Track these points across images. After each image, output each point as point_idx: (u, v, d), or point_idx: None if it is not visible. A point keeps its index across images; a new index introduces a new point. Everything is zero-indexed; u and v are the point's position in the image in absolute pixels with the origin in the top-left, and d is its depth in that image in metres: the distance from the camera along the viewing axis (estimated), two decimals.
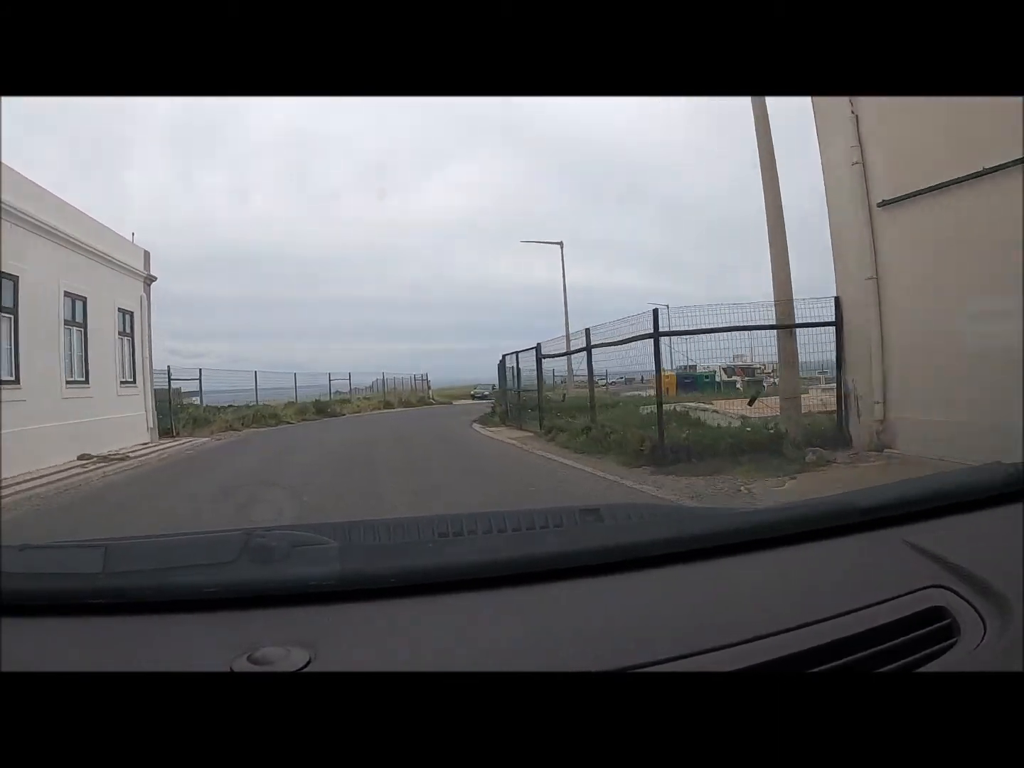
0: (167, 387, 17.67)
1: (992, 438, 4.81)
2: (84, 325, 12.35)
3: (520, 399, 16.73)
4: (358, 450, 12.13)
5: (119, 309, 14.12)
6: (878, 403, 8.06)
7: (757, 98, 8.66)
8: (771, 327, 8.75)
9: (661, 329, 8.86)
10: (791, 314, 8.67)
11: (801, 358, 9.10)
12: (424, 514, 1.70)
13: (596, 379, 15.61)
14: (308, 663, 0.78)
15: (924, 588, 0.95)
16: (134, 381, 14.73)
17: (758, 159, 8.87)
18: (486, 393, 37.56)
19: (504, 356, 19.81)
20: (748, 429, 8.76)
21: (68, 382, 11.58)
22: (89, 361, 12.40)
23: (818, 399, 9.96)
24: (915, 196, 7.39)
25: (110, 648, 0.85)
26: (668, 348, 10.65)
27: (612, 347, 10.93)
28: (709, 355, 10.04)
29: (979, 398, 6.36)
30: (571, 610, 0.95)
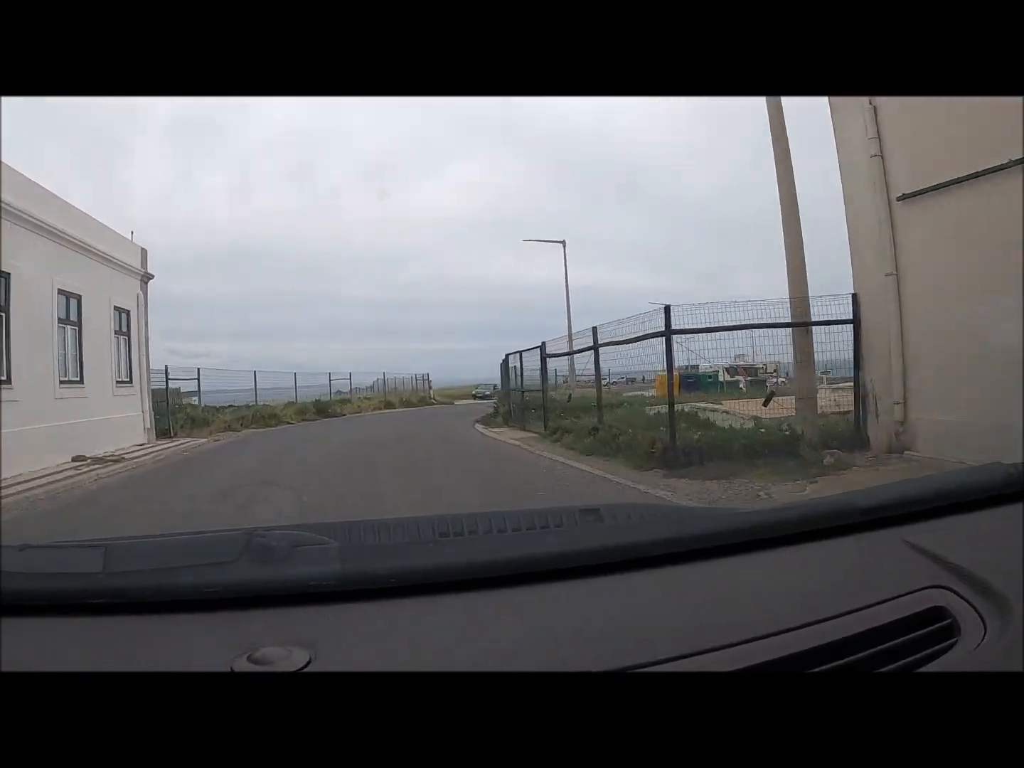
0: (165, 387, 17.42)
1: (1018, 440, 4.64)
2: (78, 324, 12.05)
3: (524, 399, 16.48)
4: (358, 450, 11.99)
5: (115, 307, 13.82)
6: (898, 403, 7.79)
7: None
8: (787, 325, 8.46)
9: (672, 327, 8.57)
10: (807, 311, 8.39)
11: (817, 356, 8.83)
12: (424, 514, 1.72)
13: (593, 379, 15.35)
14: (308, 663, 0.78)
15: (924, 588, 0.95)
16: (130, 381, 14.43)
17: (772, 151, 8.62)
18: (487, 393, 37.46)
19: (507, 355, 19.55)
20: (762, 430, 8.46)
21: (62, 382, 11.30)
22: (84, 360, 12.12)
23: (829, 399, 9.66)
24: (937, 189, 7.12)
25: (110, 648, 0.85)
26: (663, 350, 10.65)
27: (616, 346, 10.74)
28: (712, 355, 9.82)
29: (1004, 399, 6.10)
30: (571, 610, 0.95)
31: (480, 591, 0.96)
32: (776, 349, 9.22)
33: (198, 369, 21.59)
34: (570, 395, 14.35)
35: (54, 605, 0.90)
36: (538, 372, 15.08)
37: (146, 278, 15.51)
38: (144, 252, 15.56)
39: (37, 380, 10.19)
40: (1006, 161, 6.20)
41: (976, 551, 1.04)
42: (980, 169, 6.47)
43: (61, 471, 9.72)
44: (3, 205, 9.38)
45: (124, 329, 14.32)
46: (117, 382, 13.70)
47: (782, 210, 8.48)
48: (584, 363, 13.24)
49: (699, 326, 8.52)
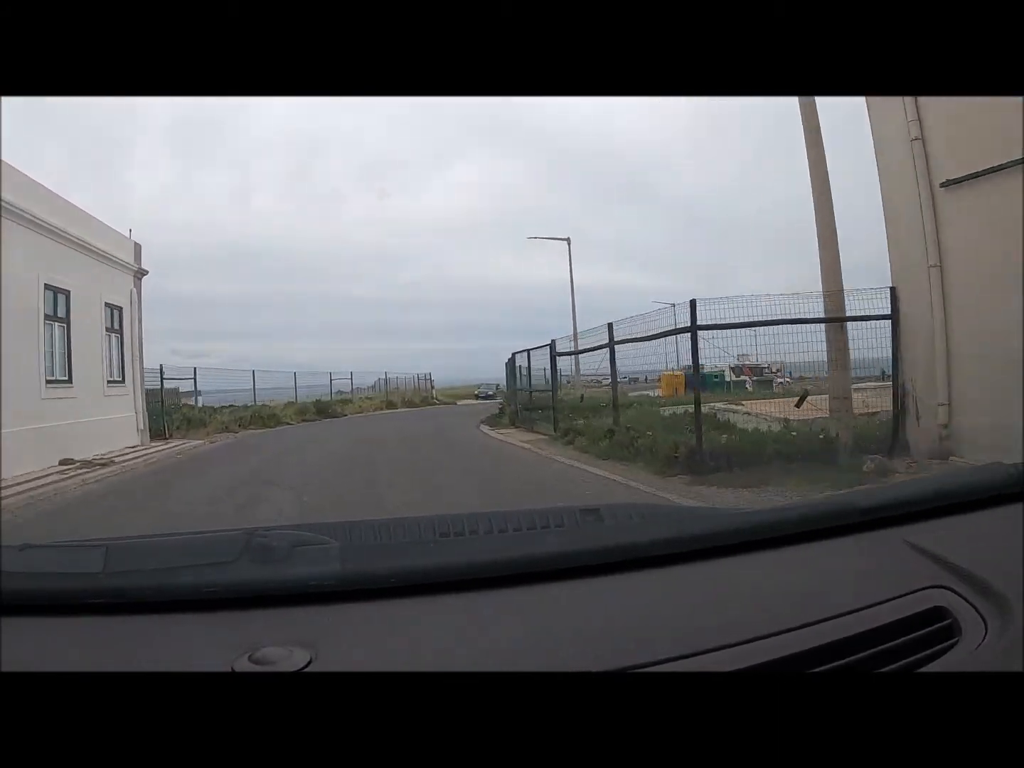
0: (160, 387, 16.89)
1: None
2: (67, 320, 11.48)
3: (531, 399, 15.93)
4: (359, 450, 11.76)
5: (106, 304, 13.23)
6: (942, 405, 7.24)
7: None
8: (821, 320, 7.85)
9: (687, 324, 8.02)
10: (841, 306, 7.82)
11: (820, 356, 8.32)
12: (424, 514, 1.57)
13: (598, 379, 14.90)
14: (309, 663, 0.78)
15: (925, 588, 0.95)
16: (123, 380, 13.89)
17: (803, 136, 8.04)
18: (490, 393, 37.16)
19: (514, 354, 18.86)
20: (793, 433, 7.90)
21: (48, 381, 10.74)
22: (72, 359, 11.54)
23: (856, 399, 9.09)
24: (985, 175, 6.59)
25: (110, 648, 0.85)
26: (675, 348, 10.15)
27: (627, 344, 10.34)
28: (715, 354, 9.23)
29: None
30: (571, 610, 0.94)
31: (480, 591, 0.96)
32: (797, 347, 8.62)
33: (194, 368, 21.01)
34: (582, 395, 13.85)
35: (54, 605, 0.90)
36: (544, 371, 14.59)
37: (140, 274, 14.98)
38: (138, 247, 15.00)
39: (21, 379, 9.63)
40: None
41: (977, 551, 1.04)
42: None
43: (46, 475, 9.21)
44: None
45: (116, 327, 13.76)
46: (109, 382, 13.17)
47: (814, 199, 7.88)
48: (596, 362, 12.82)
49: (723, 321, 7.94)
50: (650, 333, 9.23)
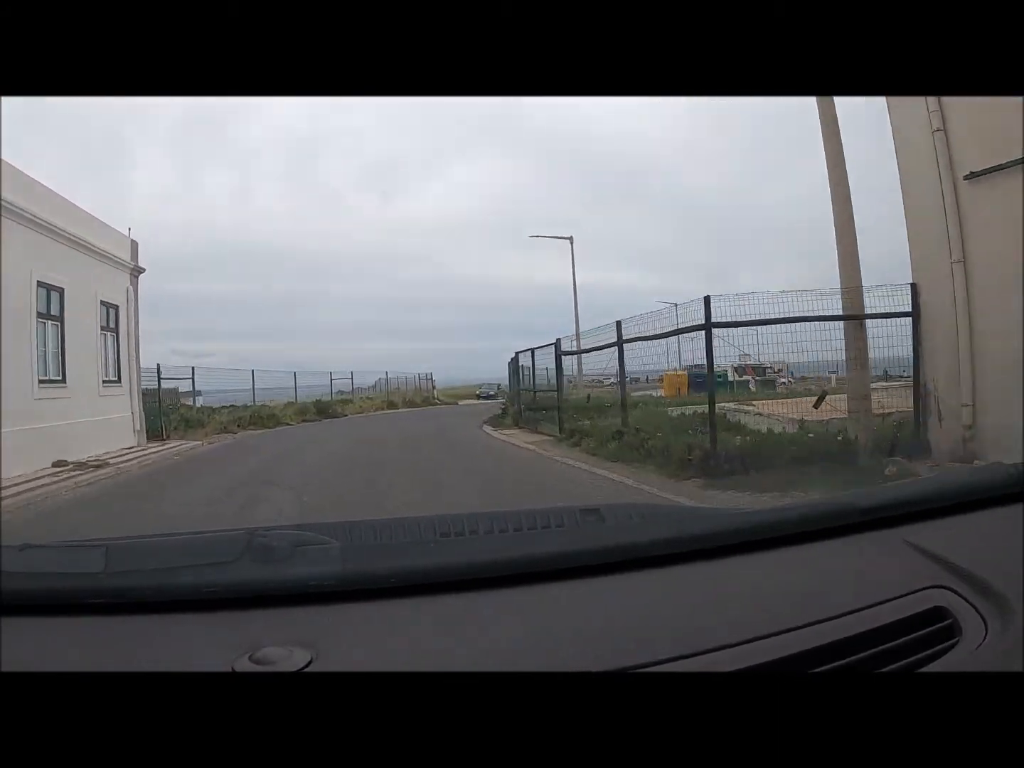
0: (157, 387, 16.55)
1: None
2: (61, 319, 11.17)
3: (535, 399, 15.63)
4: (360, 451, 11.66)
5: (102, 302, 12.90)
6: (965, 406, 6.97)
7: None
8: (839, 318, 7.59)
9: (694, 323, 7.75)
10: (860, 303, 7.56)
11: (826, 355, 8.16)
12: (425, 514, 1.49)
13: (601, 379, 14.65)
14: (310, 663, 0.78)
15: (925, 588, 0.95)
16: (119, 380, 13.54)
17: (819, 126, 7.78)
18: (492, 393, 36.94)
19: (517, 353, 18.63)
20: (810, 435, 7.62)
21: (41, 381, 10.44)
22: (66, 358, 11.23)
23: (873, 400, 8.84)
24: (1009, 167, 6.33)
25: (110, 648, 0.84)
26: (677, 347, 10.38)
27: (633, 343, 10.20)
28: (731, 353, 8.92)
29: None
30: (571, 610, 0.94)
31: (480, 591, 0.95)
32: (810, 346, 8.35)
33: (192, 368, 20.56)
34: (589, 395, 13.60)
35: (54, 605, 0.89)
36: (547, 371, 14.38)
37: (136, 272, 14.66)
38: (135, 244, 14.66)
39: (13, 379, 9.33)
40: None
41: (977, 551, 1.03)
42: None
43: (38, 478, 8.96)
44: None
45: (112, 325, 13.44)
46: (104, 381, 12.86)
47: (832, 192, 7.64)
48: (598, 362, 12.67)
49: (738, 319, 7.66)
50: (663, 331, 8.97)
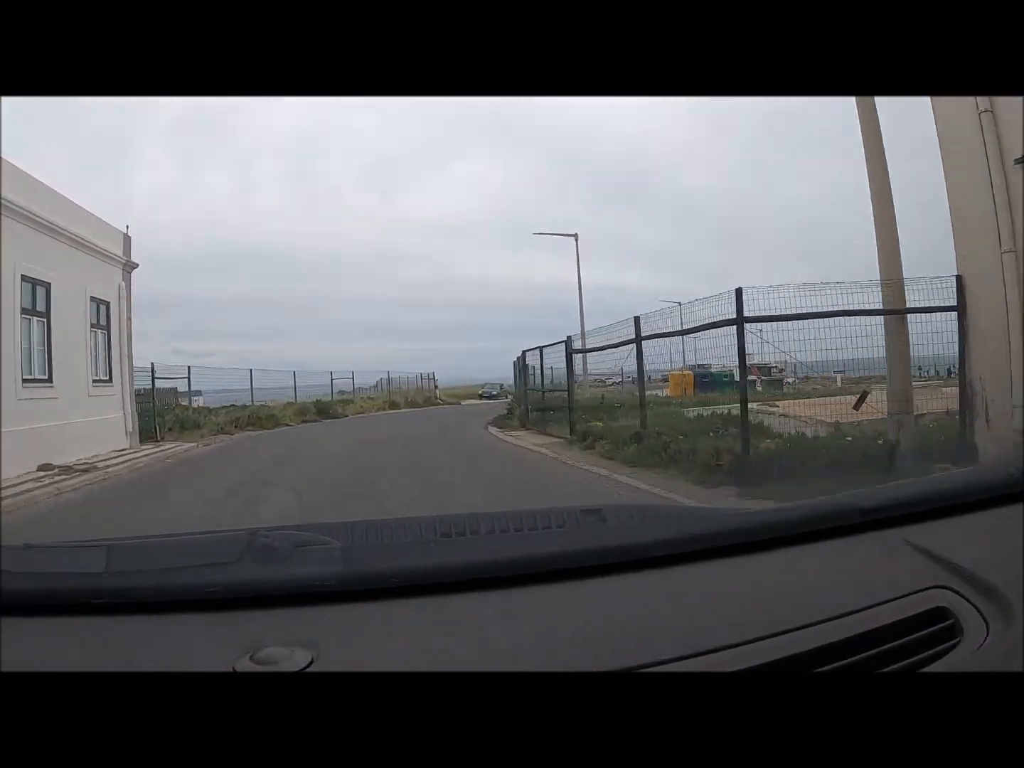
0: (157, 388, 16.10)
1: None
2: (47, 315, 10.59)
3: (544, 400, 15.05)
4: (360, 452, 11.39)
5: (92, 298, 12.29)
6: (1017, 407, 6.43)
7: None
8: (879, 312, 7.05)
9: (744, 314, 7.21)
10: (902, 297, 7.03)
11: (849, 354, 7.68)
12: (425, 514, 1.56)
13: (603, 379, 14.17)
14: (311, 663, 0.78)
15: (926, 588, 0.95)
16: (110, 380, 12.94)
17: (856, 110, 7.25)
18: (495, 393, 36.49)
19: (524, 352, 17.91)
20: (848, 438, 7.09)
21: (26, 380, 9.87)
22: (53, 356, 10.64)
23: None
24: None
25: (111, 648, 0.85)
26: (679, 347, 10.24)
27: (653, 340, 9.74)
28: (720, 353, 8.47)
29: None
30: (572, 610, 0.94)
31: (481, 591, 0.95)
32: (784, 347, 7.84)
33: (188, 367, 20.00)
34: (603, 396, 13.09)
35: (55, 605, 0.89)
36: (551, 370, 14.06)
37: (129, 267, 14.06)
38: (127, 239, 14.04)
39: None
40: None
41: (978, 551, 1.03)
42: None
43: (20, 483, 8.42)
44: None
45: (103, 322, 12.82)
46: (94, 381, 12.24)
47: (871, 180, 7.13)
48: (606, 362, 12.34)
49: (772, 313, 7.12)
50: (689, 327, 8.38)
